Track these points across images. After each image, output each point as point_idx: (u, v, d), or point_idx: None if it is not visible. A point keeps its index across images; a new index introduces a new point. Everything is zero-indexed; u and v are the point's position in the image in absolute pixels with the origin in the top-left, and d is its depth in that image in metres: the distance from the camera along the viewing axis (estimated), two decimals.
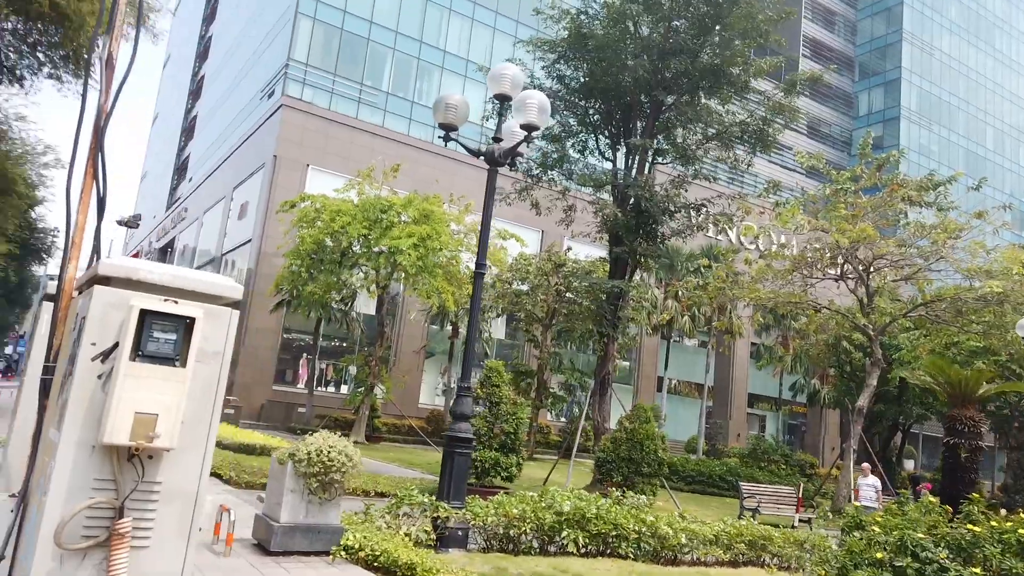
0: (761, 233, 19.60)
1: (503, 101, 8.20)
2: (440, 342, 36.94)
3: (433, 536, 7.04)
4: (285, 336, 34.90)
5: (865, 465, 13.96)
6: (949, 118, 62.70)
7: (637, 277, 37.62)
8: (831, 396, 39.05)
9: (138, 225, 31.27)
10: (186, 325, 2.62)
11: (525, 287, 31.36)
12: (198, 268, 46.70)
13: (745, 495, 15.15)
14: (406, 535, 6.79)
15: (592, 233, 17.55)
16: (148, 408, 2.50)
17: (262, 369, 33.59)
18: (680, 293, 36.47)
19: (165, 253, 58.74)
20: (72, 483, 2.47)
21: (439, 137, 8.40)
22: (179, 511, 2.63)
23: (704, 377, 41.57)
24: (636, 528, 8.14)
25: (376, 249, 25.00)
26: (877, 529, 5.77)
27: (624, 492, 9.88)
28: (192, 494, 2.66)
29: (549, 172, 18.79)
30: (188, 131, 63.81)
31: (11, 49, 20.09)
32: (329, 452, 6.27)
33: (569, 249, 29.26)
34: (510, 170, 20.83)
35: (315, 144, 36.70)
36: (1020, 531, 5.31)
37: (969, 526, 5.78)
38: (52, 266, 77.34)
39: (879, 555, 5.45)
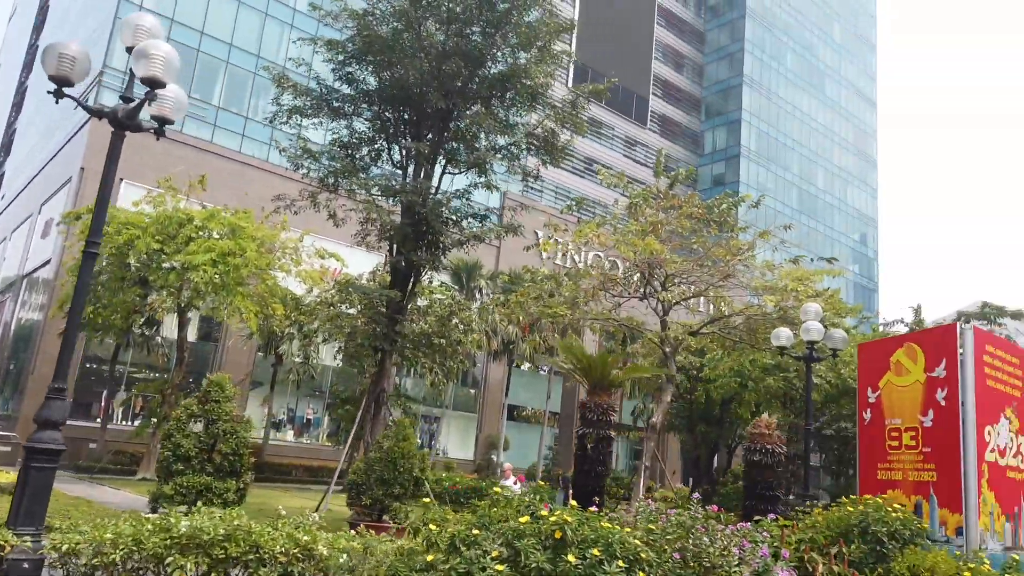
0: (560, 249, 19.29)
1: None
2: (266, 370, 34.72)
3: None
4: (86, 366, 31.59)
5: (507, 465, 13.39)
6: (784, 158, 66.94)
7: (478, 303, 37.45)
8: (670, 421, 39.73)
9: None
10: None
11: (354, 310, 29.92)
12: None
13: None
14: None
15: (372, 242, 16.56)
16: None
17: None
18: (520, 318, 36.19)
19: None
20: None
21: (48, 92, 7.14)
22: None
23: (546, 403, 41.38)
24: (284, 549, 7.00)
25: (167, 265, 22.92)
26: (435, 528, 5.01)
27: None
28: None
29: (343, 181, 17.62)
30: (6, 147, 58.37)
31: None
32: None
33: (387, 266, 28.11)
34: (300, 177, 19.57)
35: (129, 157, 33.79)
36: (554, 520, 4.67)
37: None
38: None
39: (430, 557, 4.68)
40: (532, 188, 52.35)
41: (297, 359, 32.49)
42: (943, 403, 9.99)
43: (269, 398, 33.02)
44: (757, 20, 66.94)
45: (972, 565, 6.24)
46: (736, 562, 5.49)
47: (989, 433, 10.04)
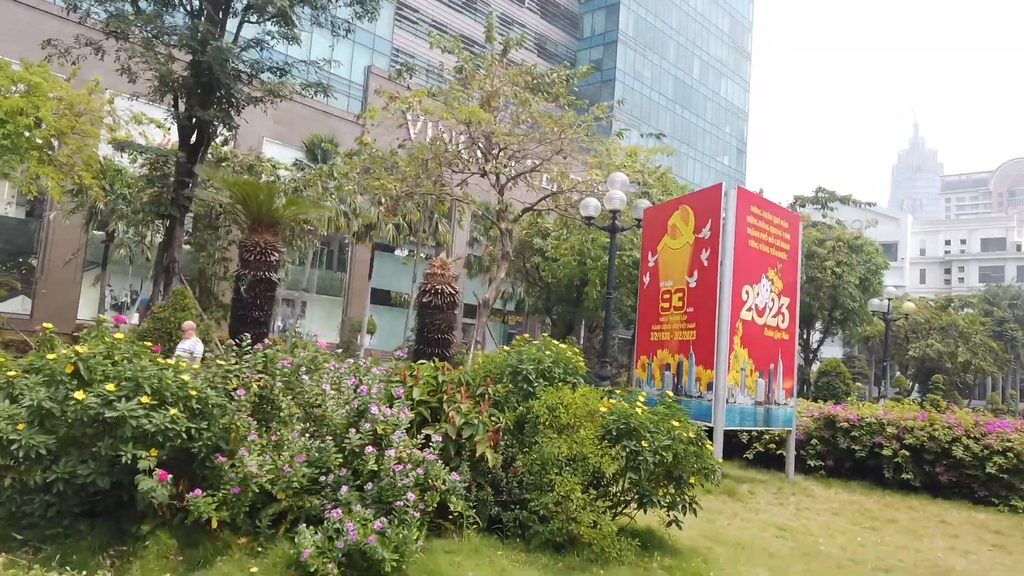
0: (389, 118, 18.21)
1: None
2: (100, 249, 32.27)
3: None
4: None
5: (187, 324, 12.58)
6: (661, 46, 66.53)
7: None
8: (532, 304, 40.38)
9: None
10: None
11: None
12: None
13: None
14: None
15: (150, 95, 14.92)
16: None
17: None
18: (382, 199, 34.97)
19: None
20: None
21: None
22: None
23: (412, 287, 41.00)
24: None
25: None
26: None
27: None
28: None
29: (128, 27, 15.59)
30: None
31: None
32: None
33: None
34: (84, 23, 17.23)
35: None
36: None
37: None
38: None
39: None
40: (397, 63, 49.75)
41: (128, 235, 30.21)
42: (706, 263, 10.09)
43: (102, 278, 30.84)
44: None
45: (612, 401, 6.24)
46: (343, 402, 5.25)
47: (747, 293, 10.27)
